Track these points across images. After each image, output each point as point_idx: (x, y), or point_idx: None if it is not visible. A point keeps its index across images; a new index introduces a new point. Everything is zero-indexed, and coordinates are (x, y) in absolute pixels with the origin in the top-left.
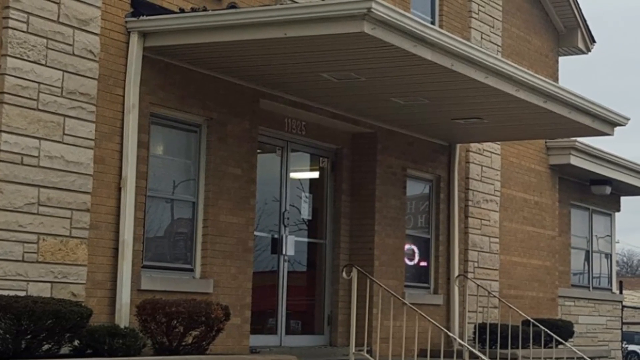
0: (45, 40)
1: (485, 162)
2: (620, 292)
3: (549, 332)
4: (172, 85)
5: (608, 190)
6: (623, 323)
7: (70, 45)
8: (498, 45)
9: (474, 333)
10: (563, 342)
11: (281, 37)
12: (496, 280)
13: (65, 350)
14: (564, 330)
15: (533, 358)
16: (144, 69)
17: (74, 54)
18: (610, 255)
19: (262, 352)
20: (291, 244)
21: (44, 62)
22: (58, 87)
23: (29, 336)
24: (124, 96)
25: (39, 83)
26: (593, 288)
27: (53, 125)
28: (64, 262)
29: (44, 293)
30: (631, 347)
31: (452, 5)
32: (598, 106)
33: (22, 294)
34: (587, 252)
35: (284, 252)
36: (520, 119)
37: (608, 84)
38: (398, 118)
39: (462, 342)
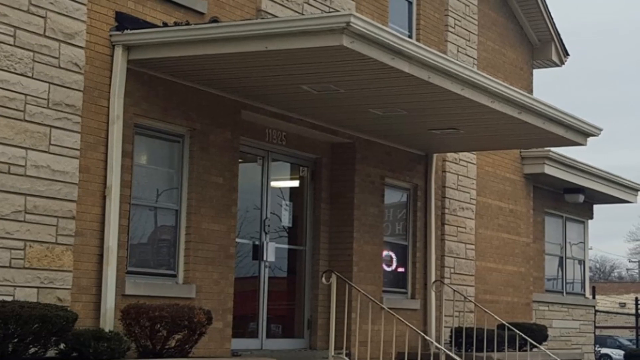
0: (31, 54)
1: (461, 171)
2: (593, 297)
3: (523, 335)
4: (155, 97)
5: (581, 198)
6: (596, 327)
7: (56, 58)
8: (474, 58)
9: (450, 337)
10: (537, 345)
11: (262, 50)
12: (472, 286)
13: (51, 353)
14: (538, 334)
15: None
16: (128, 81)
17: (59, 67)
18: (584, 262)
19: (244, 355)
20: (272, 251)
21: (30, 74)
22: (44, 99)
23: (16, 340)
24: (108, 107)
25: (26, 95)
26: (566, 293)
27: (39, 136)
28: (50, 268)
29: (30, 298)
30: (604, 350)
31: (429, 19)
32: (571, 117)
33: (9, 299)
34: (561, 258)
35: (264, 259)
36: (496, 130)
37: (581, 95)
38: (376, 129)
39: (439, 346)
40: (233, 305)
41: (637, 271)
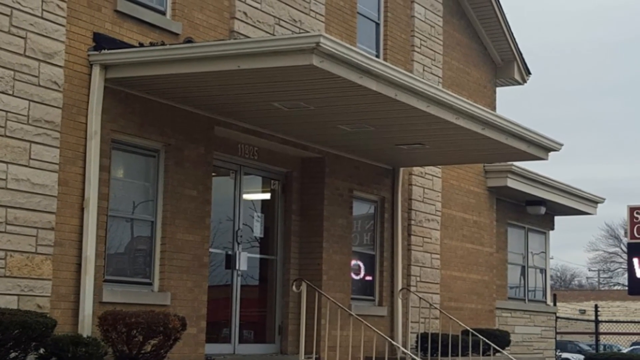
0: (12, 72)
1: (427, 184)
2: (554, 304)
3: (487, 341)
4: (132, 114)
5: (542, 210)
6: (557, 333)
7: (36, 76)
8: (439, 77)
9: (417, 342)
10: (500, 350)
11: (235, 69)
12: (437, 294)
13: (31, 357)
14: (501, 339)
15: None
16: (105, 99)
17: (39, 85)
18: (545, 270)
19: (217, 359)
20: (244, 260)
21: (11, 92)
22: (24, 115)
23: None
24: (86, 124)
25: (7, 112)
26: (528, 300)
27: (20, 151)
28: (30, 276)
29: (11, 305)
30: (564, 355)
31: (396, 39)
32: (533, 133)
33: None
34: (523, 267)
35: (237, 268)
36: (460, 145)
37: (543, 112)
38: (345, 144)
39: (405, 351)
40: (206, 312)
41: (596, 279)
